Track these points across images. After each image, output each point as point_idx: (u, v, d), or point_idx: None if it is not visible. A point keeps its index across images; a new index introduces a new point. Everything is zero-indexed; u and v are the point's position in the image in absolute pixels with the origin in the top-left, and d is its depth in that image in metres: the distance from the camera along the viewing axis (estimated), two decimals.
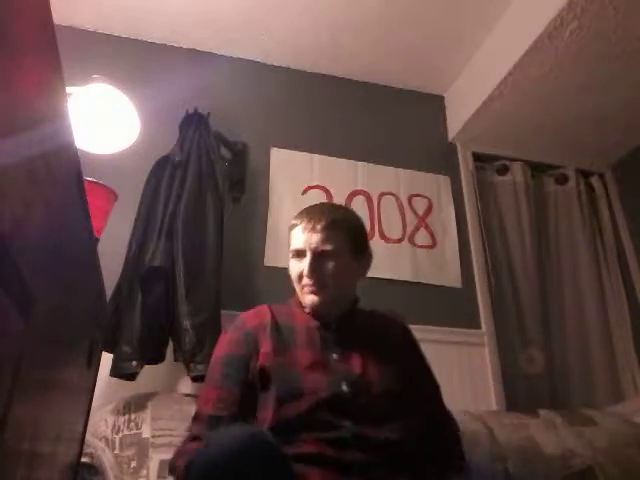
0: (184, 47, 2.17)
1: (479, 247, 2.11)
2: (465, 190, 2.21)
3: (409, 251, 2.03)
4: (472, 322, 1.95)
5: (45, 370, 0.57)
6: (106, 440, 1.19)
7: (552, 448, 1.35)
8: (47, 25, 0.45)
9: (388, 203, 2.10)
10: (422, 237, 2.07)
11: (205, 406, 0.97)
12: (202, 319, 1.45)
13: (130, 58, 2.06)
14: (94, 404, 1.08)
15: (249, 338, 1.03)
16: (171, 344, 1.50)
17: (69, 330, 0.70)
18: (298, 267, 1.08)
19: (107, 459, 1.15)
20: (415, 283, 1.97)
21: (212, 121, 1.87)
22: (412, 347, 1.15)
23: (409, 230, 2.07)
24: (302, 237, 1.07)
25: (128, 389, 1.37)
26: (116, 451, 1.17)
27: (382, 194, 2.11)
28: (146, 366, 1.41)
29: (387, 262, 1.97)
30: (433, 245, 2.07)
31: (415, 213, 2.11)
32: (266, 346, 1.00)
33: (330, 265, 1.05)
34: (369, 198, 2.09)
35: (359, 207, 2.05)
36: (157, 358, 1.46)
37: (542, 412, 1.52)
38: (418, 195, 2.15)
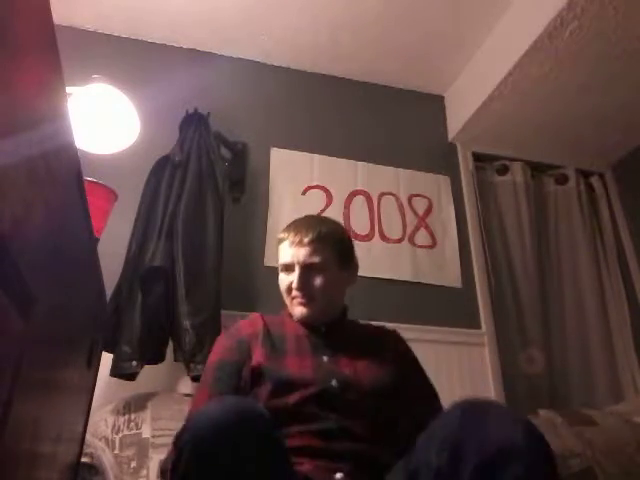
0: (184, 47, 2.17)
1: (479, 247, 2.11)
2: (465, 190, 2.21)
3: (409, 251, 2.02)
4: (472, 322, 1.95)
5: (45, 370, 0.57)
6: (106, 440, 1.19)
7: (552, 448, 1.35)
8: (47, 25, 0.45)
9: (388, 203, 2.10)
10: (422, 237, 2.07)
11: (195, 409, 0.97)
12: (202, 319, 1.45)
13: (130, 58, 2.06)
14: (94, 404, 1.08)
15: (242, 346, 1.05)
16: (171, 344, 1.50)
17: (69, 330, 0.70)
18: (287, 280, 1.11)
19: (107, 459, 1.15)
20: (415, 283, 1.97)
21: (212, 121, 1.87)
22: (405, 353, 1.15)
23: (409, 230, 2.07)
24: (290, 251, 1.10)
25: (128, 389, 1.37)
26: (116, 451, 1.17)
27: (382, 194, 2.11)
28: (146, 366, 1.41)
29: (387, 262, 1.97)
30: (433, 245, 2.07)
31: (415, 213, 2.11)
32: (258, 353, 1.02)
33: (318, 278, 1.08)
34: (369, 198, 2.09)
35: (359, 207, 2.05)
36: (157, 358, 1.46)
37: (542, 412, 1.52)
38: (418, 195, 2.15)
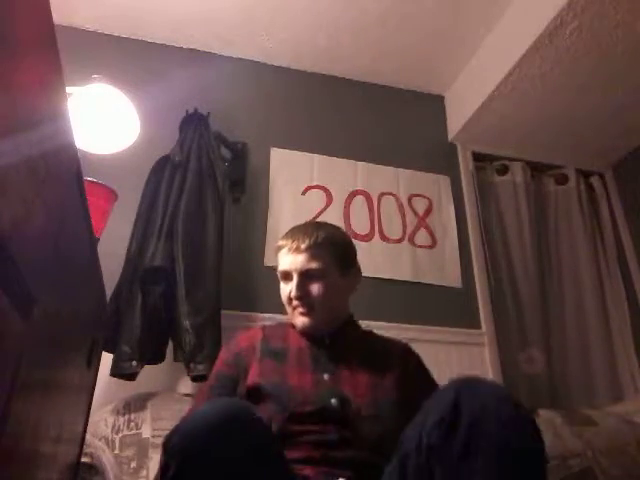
0: (184, 47, 2.17)
1: (479, 247, 2.11)
2: (465, 190, 2.21)
3: (409, 251, 2.02)
4: (472, 322, 1.95)
5: (45, 370, 0.57)
6: (106, 440, 1.19)
7: (552, 448, 1.35)
8: (47, 25, 0.45)
9: (388, 203, 2.10)
10: (422, 237, 2.07)
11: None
12: (202, 319, 1.45)
13: (130, 58, 2.06)
14: (94, 404, 1.08)
15: (239, 360, 1.05)
16: (171, 344, 1.50)
17: (69, 330, 0.70)
18: (287, 289, 1.08)
19: (107, 459, 1.15)
20: (415, 283, 1.97)
21: (212, 121, 1.87)
22: (415, 369, 1.10)
23: (409, 230, 2.07)
24: (288, 259, 1.08)
25: (128, 389, 1.37)
26: (116, 451, 1.17)
27: (382, 194, 2.11)
28: (146, 366, 1.41)
29: (387, 262, 1.97)
30: (433, 245, 2.07)
31: (415, 213, 2.11)
32: (255, 370, 1.01)
33: (317, 285, 1.05)
34: (369, 198, 2.09)
35: (359, 207, 2.05)
36: (157, 358, 1.46)
37: (542, 412, 1.52)
38: (418, 195, 2.15)
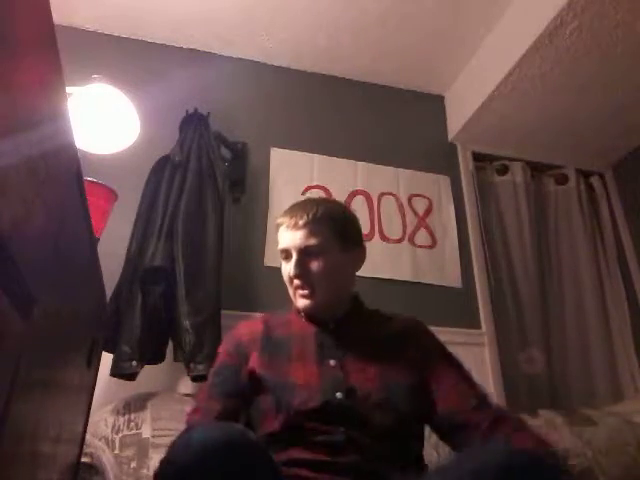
0: (184, 47, 2.17)
1: (479, 247, 2.11)
2: (465, 190, 2.22)
3: (409, 251, 2.03)
4: (472, 322, 1.95)
5: (45, 370, 0.57)
6: (106, 440, 1.19)
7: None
8: (47, 25, 0.45)
9: (388, 203, 2.10)
10: (422, 237, 2.07)
11: (192, 415, 0.96)
12: (202, 319, 1.45)
13: (130, 58, 2.06)
14: (94, 404, 1.08)
15: (240, 350, 1.02)
16: (171, 344, 1.50)
17: (69, 330, 0.70)
18: (287, 268, 1.04)
19: (107, 459, 1.15)
20: (415, 283, 1.97)
21: (212, 121, 1.87)
22: (430, 347, 1.05)
23: (409, 230, 2.07)
24: (286, 236, 1.03)
25: (128, 389, 1.37)
26: (116, 451, 1.17)
27: (382, 194, 2.11)
28: (146, 366, 1.41)
29: (387, 262, 1.97)
30: (433, 245, 2.07)
31: (415, 213, 2.11)
32: (257, 360, 0.98)
33: (317, 262, 1.00)
34: (369, 198, 2.09)
35: (359, 207, 2.05)
36: (157, 358, 1.46)
37: (542, 412, 1.52)
38: (418, 195, 2.15)
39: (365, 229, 2.02)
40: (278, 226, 1.07)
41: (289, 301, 1.11)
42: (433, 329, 1.87)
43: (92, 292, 0.89)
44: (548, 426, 1.44)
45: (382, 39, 2.12)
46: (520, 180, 2.27)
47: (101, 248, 1.04)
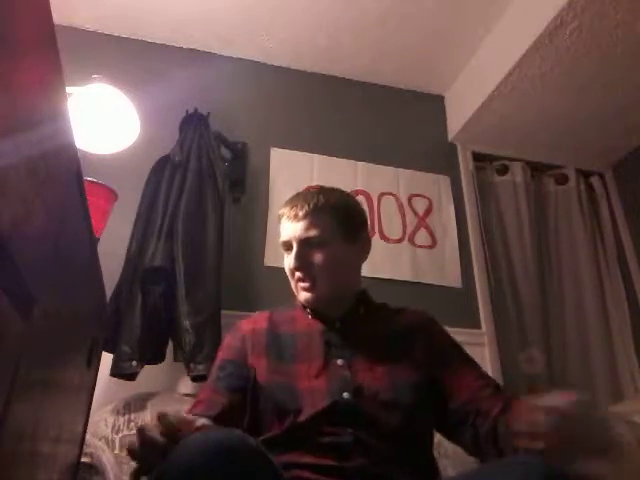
0: (184, 47, 2.17)
1: (479, 247, 2.11)
2: (465, 190, 2.22)
3: (409, 251, 2.03)
4: (472, 322, 1.94)
5: (45, 370, 0.57)
6: (106, 440, 1.19)
7: None
8: (47, 25, 0.45)
9: (388, 203, 2.10)
10: (422, 237, 2.07)
11: (194, 407, 0.95)
12: (202, 319, 1.45)
13: (130, 58, 2.06)
14: (94, 404, 1.08)
15: (244, 345, 1.00)
16: (171, 344, 1.50)
17: (69, 330, 0.70)
18: (288, 261, 1.01)
19: (107, 459, 1.15)
20: (415, 283, 1.97)
21: (212, 121, 1.87)
22: (441, 341, 1.02)
23: (409, 230, 2.07)
24: (287, 228, 1.00)
25: (128, 389, 1.37)
26: (116, 451, 1.17)
27: (382, 194, 2.11)
28: (146, 366, 1.41)
29: (387, 262, 1.97)
30: (433, 245, 2.07)
31: (415, 213, 2.11)
32: (260, 362, 0.96)
33: (319, 254, 0.97)
34: (369, 198, 2.09)
35: None
36: (157, 358, 1.46)
37: None
38: (418, 195, 2.15)
39: None
40: (279, 217, 1.04)
41: (290, 300, 1.11)
42: None
43: (92, 292, 0.89)
44: None
45: (382, 39, 2.12)
46: (520, 180, 2.27)
47: (101, 248, 1.04)
